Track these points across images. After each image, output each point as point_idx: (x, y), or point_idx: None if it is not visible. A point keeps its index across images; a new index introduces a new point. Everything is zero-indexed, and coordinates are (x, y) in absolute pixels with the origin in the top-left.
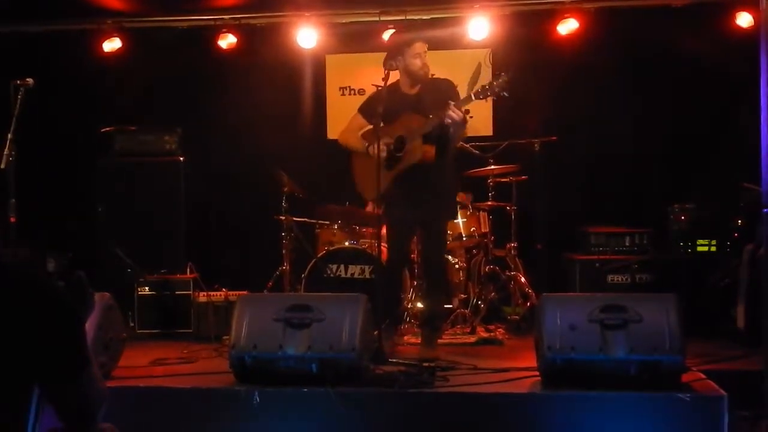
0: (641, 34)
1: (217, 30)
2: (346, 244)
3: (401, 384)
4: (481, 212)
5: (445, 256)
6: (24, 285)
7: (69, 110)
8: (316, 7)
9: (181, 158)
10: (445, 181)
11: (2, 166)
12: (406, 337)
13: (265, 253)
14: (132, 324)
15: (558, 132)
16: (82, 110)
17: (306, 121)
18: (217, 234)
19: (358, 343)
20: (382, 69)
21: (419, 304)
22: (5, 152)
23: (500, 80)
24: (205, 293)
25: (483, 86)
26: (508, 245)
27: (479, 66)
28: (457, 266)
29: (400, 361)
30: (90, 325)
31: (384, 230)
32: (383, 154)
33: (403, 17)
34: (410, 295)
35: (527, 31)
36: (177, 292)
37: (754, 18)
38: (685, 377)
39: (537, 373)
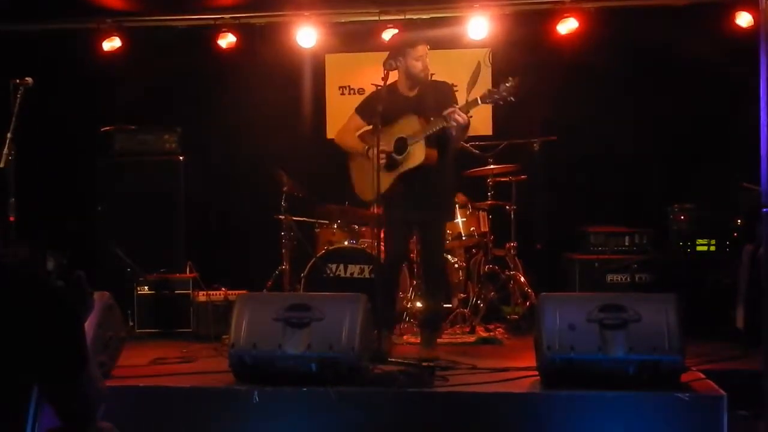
0: (641, 34)
1: (216, 29)
2: (346, 243)
3: (401, 384)
4: (480, 212)
5: (445, 256)
6: (23, 285)
7: (69, 109)
8: (316, 7)
9: (181, 157)
10: (445, 183)
11: (2, 165)
12: (405, 337)
13: (264, 253)
14: (131, 323)
15: (558, 132)
16: (81, 109)
17: (306, 121)
18: (217, 233)
19: (357, 343)
20: (382, 69)
21: (419, 304)
22: (5, 151)
23: (509, 85)
24: (204, 293)
25: (491, 90)
26: (507, 245)
27: (479, 66)
28: (456, 266)
29: (400, 360)
30: (89, 325)
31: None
32: (384, 160)
33: (403, 17)
34: (410, 294)
35: (527, 30)
36: (176, 292)
37: (753, 18)
38: (685, 377)
39: (536, 372)
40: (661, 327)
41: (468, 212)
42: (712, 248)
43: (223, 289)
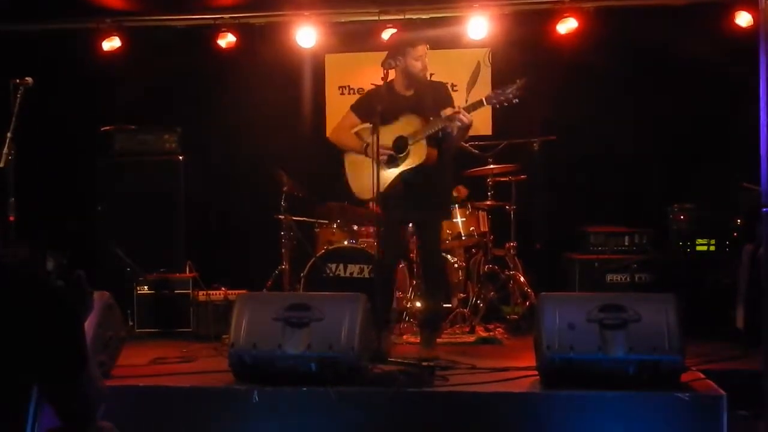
0: (641, 34)
1: (216, 29)
2: (346, 243)
3: (400, 383)
4: (480, 212)
5: (444, 255)
6: (23, 285)
7: (68, 109)
8: (316, 7)
9: (181, 157)
10: (444, 182)
11: (2, 165)
12: (405, 337)
13: (264, 253)
14: (131, 323)
15: (558, 132)
16: (81, 109)
17: (305, 121)
18: (217, 233)
19: (357, 343)
20: (382, 69)
21: (418, 304)
22: (5, 151)
23: (515, 87)
24: (204, 292)
25: (496, 92)
26: (507, 245)
27: (478, 65)
28: (456, 266)
29: (400, 360)
30: (89, 324)
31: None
32: (384, 158)
33: (403, 17)
34: (410, 294)
35: (526, 30)
36: (176, 291)
37: (753, 17)
38: (685, 377)
39: (536, 372)
40: (661, 327)
41: (468, 212)
42: (712, 248)
43: (223, 288)
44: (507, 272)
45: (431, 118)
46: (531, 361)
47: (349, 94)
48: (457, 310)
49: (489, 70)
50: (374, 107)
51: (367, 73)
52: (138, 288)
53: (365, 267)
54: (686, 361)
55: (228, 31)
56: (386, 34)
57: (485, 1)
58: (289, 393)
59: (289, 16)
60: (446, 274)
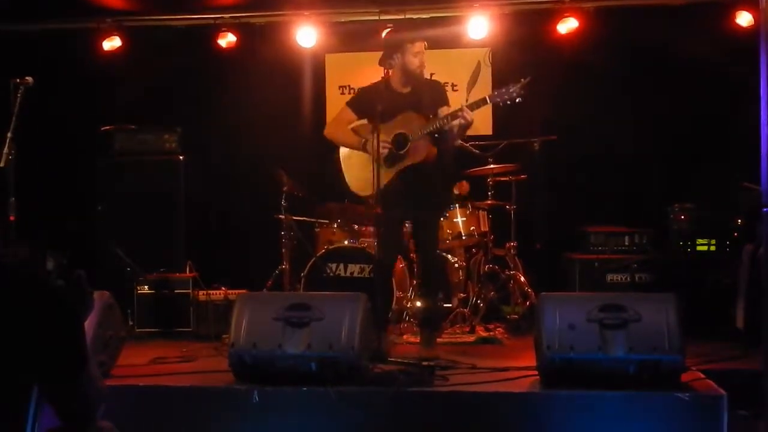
0: (641, 34)
1: (216, 29)
2: (346, 243)
3: (400, 383)
4: (480, 211)
5: (444, 255)
6: (23, 284)
7: (69, 109)
8: (316, 6)
9: (181, 157)
10: (443, 181)
11: (2, 165)
12: (405, 337)
13: (264, 252)
14: (131, 323)
15: (558, 132)
16: (81, 109)
17: (305, 120)
18: (217, 233)
19: (357, 342)
20: (382, 69)
21: (419, 304)
22: (5, 151)
23: (518, 86)
24: (204, 292)
25: (500, 90)
26: (507, 244)
27: (479, 65)
28: (456, 265)
29: (400, 360)
30: (89, 324)
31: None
32: (384, 152)
33: (403, 16)
34: (410, 294)
35: (527, 30)
36: (176, 291)
37: (754, 17)
38: (685, 377)
39: (536, 372)
40: (661, 327)
41: (468, 212)
42: (712, 248)
43: (223, 288)
44: (507, 272)
45: (431, 116)
46: (531, 360)
47: (349, 93)
48: (458, 309)
49: (489, 69)
50: (371, 104)
51: (368, 72)
52: (138, 288)
53: (365, 267)
54: (686, 361)
55: (228, 31)
56: (385, 33)
57: (485, 1)
58: (290, 393)
59: (289, 15)
60: (445, 273)
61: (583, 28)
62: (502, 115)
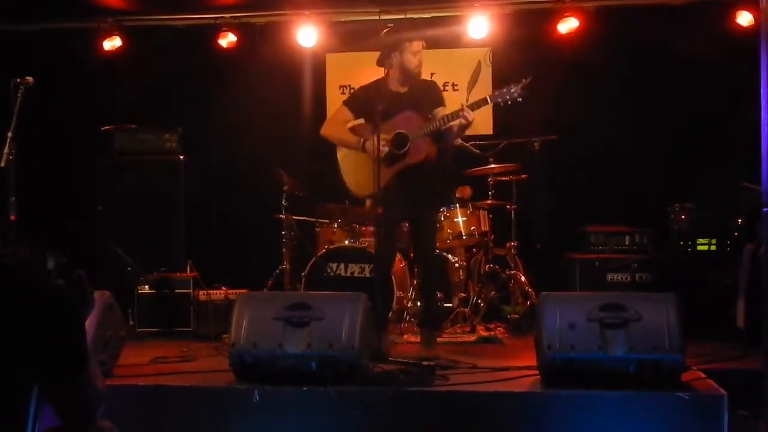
0: (642, 34)
1: (217, 29)
2: (346, 242)
3: (401, 383)
4: (481, 211)
5: (444, 254)
6: (23, 284)
7: (69, 109)
8: (316, 6)
9: (181, 157)
10: (442, 179)
11: (2, 165)
12: (405, 336)
13: (265, 252)
14: (132, 322)
15: (558, 131)
16: (82, 109)
17: (306, 120)
18: (217, 232)
19: (357, 342)
20: (383, 68)
21: (419, 303)
22: (5, 150)
23: (519, 86)
24: (205, 292)
25: (501, 90)
26: (508, 244)
27: (479, 65)
28: (456, 265)
29: (400, 359)
30: (89, 324)
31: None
32: (384, 151)
33: (404, 16)
34: (410, 294)
35: (527, 29)
36: (177, 291)
37: (754, 17)
38: (685, 376)
39: (537, 372)
40: (661, 326)
41: (469, 211)
42: (713, 248)
43: (224, 288)
44: (508, 272)
45: (429, 115)
46: (532, 360)
47: (349, 93)
48: (458, 309)
49: (490, 69)
50: (369, 103)
51: (368, 72)
52: (138, 287)
53: (366, 266)
54: (687, 361)
55: (229, 31)
56: (384, 33)
57: (486, 1)
58: (290, 392)
59: (289, 15)
60: (444, 273)
61: (583, 28)
62: (502, 115)
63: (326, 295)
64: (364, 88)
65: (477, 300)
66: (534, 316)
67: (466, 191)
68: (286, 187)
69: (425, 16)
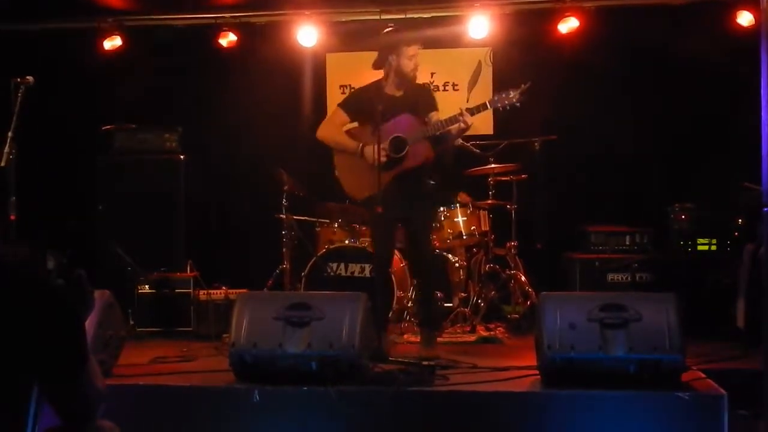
0: (642, 34)
1: (217, 28)
2: (347, 242)
3: (401, 382)
4: (481, 211)
5: (444, 254)
6: (23, 284)
7: (69, 108)
8: (317, 6)
9: (182, 156)
10: (440, 180)
11: (3, 164)
12: (405, 336)
13: (265, 252)
14: (132, 322)
15: (558, 131)
16: (82, 108)
17: (306, 120)
18: (217, 232)
19: (357, 342)
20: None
21: (416, 305)
22: (5, 150)
23: (518, 91)
24: (205, 291)
25: (500, 96)
26: (508, 244)
27: (479, 65)
28: (457, 265)
29: (400, 359)
30: (90, 323)
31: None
32: (382, 156)
33: (404, 16)
34: (410, 293)
35: (527, 29)
36: (177, 291)
37: (754, 17)
38: (685, 376)
39: (537, 372)
40: (661, 326)
41: (469, 211)
42: (713, 248)
43: (224, 288)
44: (508, 271)
45: (425, 119)
46: (532, 360)
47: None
48: (458, 309)
49: (490, 69)
50: (365, 106)
51: (369, 72)
52: (138, 287)
53: (366, 266)
54: (687, 361)
55: (229, 31)
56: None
57: (486, 1)
58: (290, 392)
59: (290, 15)
60: (443, 273)
61: (583, 28)
62: (502, 115)
63: (326, 295)
64: (360, 91)
65: (477, 300)
66: (534, 316)
67: (465, 198)
68: (286, 187)
69: (425, 16)
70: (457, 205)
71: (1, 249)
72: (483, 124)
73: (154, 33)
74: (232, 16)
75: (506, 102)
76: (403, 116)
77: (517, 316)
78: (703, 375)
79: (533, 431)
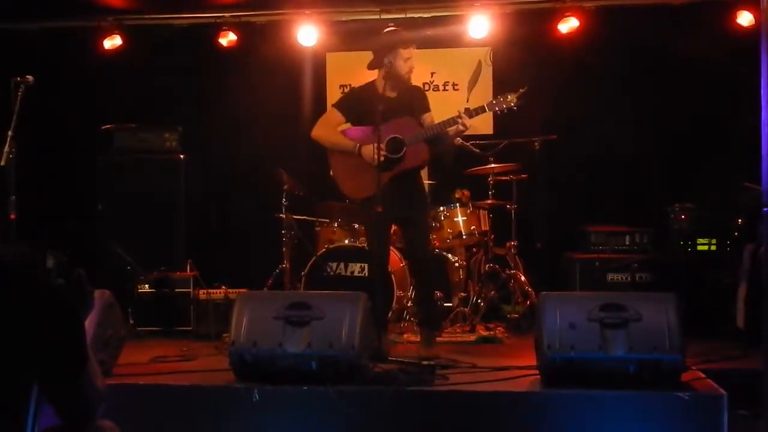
0: (642, 33)
1: (217, 28)
2: (346, 242)
3: (400, 382)
4: (481, 210)
5: (444, 254)
6: (23, 283)
7: (69, 108)
8: (317, 5)
9: (182, 156)
10: (438, 181)
11: (3, 164)
12: (405, 336)
13: (265, 251)
14: (132, 322)
15: (558, 131)
16: (82, 108)
17: (306, 119)
18: (217, 232)
19: (357, 341)
20: (377, 69)
21: (415, 305)
22: (5, 149)
23: (516, 95)
24: (205, 291)
25: (498, 99)
26: (508, 244)
27: (480, 64)
28: (456, 264)
29: (400, 359)
30: (89, 323)
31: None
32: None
33: (404, 15)
34: (410, 293)
35: (528, 29)
36: (177, 290)
37: (754, 17)
38: (685, 376)
39: (536, 371)
40: (661, 326)
41: (469, 211)
42: (713, 248)
43: (224, 287)
44: (508, 271)
45: (420, 121)
46: (531, 360)
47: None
48: (458, 309)
49: (490, 69)
50: (360, 106)
51: (369, 72)
52: (138, 286)
53: (366, 266)
54: (686, 361)
55: (229, 30)
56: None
57: (486, 1)
58: (290, 392)
59: (290, 14)
60: (443, 272)
61: (583, 28)
62: (502, 115)
63: (326, 295)
64: (355, 91)
65: (477, 299)
66: (534, 316)
67: (465, 194)
68: (286, 187)
69: (425, 15)
70: (457, 204)
71: (1, 249)
72: (483, 123)
73: (154, 32)
74: (232, 16)
75: (504, 106)
76: (399, 117)
77: (516, 315)
78: (703, 375)
79: (533, 431)
